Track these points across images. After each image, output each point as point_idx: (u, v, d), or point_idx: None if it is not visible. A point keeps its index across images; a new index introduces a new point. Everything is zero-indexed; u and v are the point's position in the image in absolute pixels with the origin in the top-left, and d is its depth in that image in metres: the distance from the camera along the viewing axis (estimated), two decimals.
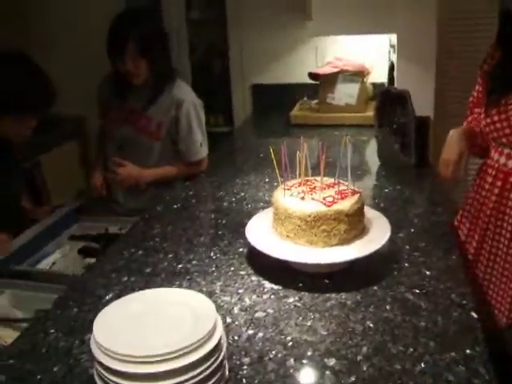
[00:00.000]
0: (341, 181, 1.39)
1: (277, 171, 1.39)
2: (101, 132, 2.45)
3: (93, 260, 1.88)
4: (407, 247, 1.45)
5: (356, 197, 1.32)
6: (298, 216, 1.26)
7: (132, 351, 0.84)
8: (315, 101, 3.02)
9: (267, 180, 2.05)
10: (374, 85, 2.97)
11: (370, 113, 2.80)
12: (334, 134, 2.73)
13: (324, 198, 1.29)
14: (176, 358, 0.83)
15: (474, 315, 1.14)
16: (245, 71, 3.17)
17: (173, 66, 2.30)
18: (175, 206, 1.82)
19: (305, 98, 3.12)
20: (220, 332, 0.90)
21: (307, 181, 1.39)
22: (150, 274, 1.37)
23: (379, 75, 2.94)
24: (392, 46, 2.57)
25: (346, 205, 1.28)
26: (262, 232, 1.37)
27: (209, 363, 0.86)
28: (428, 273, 1.31)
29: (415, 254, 1.41)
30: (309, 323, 1.13)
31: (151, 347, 0.84)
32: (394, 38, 2.53)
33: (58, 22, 3.38)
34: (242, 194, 1.90)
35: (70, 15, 3.34)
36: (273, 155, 1.39)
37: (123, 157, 2.20)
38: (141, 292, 1.03)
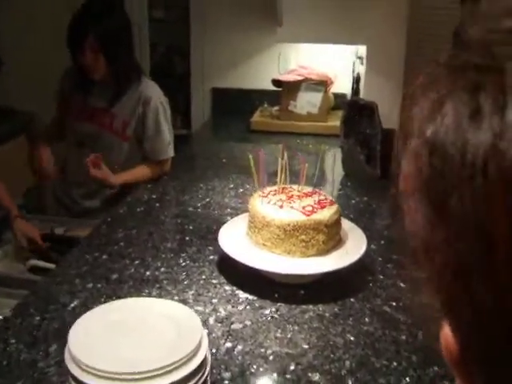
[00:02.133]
0: (318, 190, 1.37)
1: (254, 177, 1.35)
2: (54, 125, 2.33)
3: (39, 262, 1.81)
4: (380, 259, 1.44)
5: (335, 207, 1.30)
6: (276, 225, 1.23)
7: (111, 367, 0.78)
8: (276, 108, 3.00)
9: (232, 186, 2.00)
10: (335, 95, 2.98)
11: (332, 123, 2.81)
12: (295, 141, 2.72)
13: (303, 207, 1.26)
14: (159, 375, 0.78)
15: None
16: (205, 74, 3.12)
17: (137, 63, 2.23)
18: (138, 210, 1.75)
19: (265, 105, 3.09)
20: (205, 349, 0.85)
21: (284, 189, 1.36)
22: (117, 280, 1.30)
23: (341, 86, 2.95)
24: (359, 58, 2.58)
25: (325, 215, 1.25)
26: (236, 240, 1.33)
27: (194, 381, 0.81)
28: (403, 285, 1.30)
29: (388, 266, 1.40)
30: (289, 335, 1.09)
31: (132, 363, 0.79)
32: (361, 49, 2.55)
33: (11, 14, 3.23)
34: (208, 200, 1.85)
35: (25, 8, 3.20)
36: (252, 163, 1.35)
37: (83, 154, 2.09)
38: (122, 301, 0.97)
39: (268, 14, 2.86)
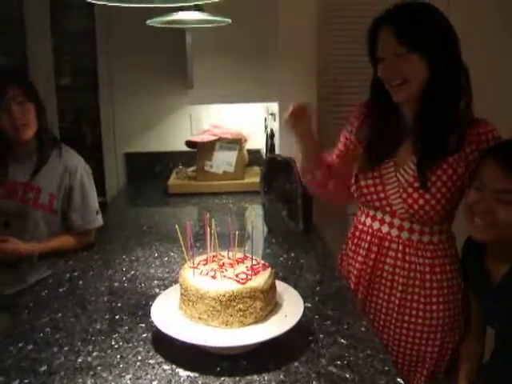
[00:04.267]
0: (248, 255, 1.35)
1: (183, 249, 1.32)
2: None
3: None
4: (317, 317, 1.43)
5: (268, 271, 1.29)
6: (211, 297, 1.19)
7: None
8: (191, 168, 3.00)
9: (156, 255, 1.95)
10: (249, 151, 3.02)
11: (249, 179, 2.85)
12: (214, 201, 2.71)
13: (236, 275, 1.24)
14: None
15: (401, 381, 1.14)
16: (117, 139, 3.08)
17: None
18: (61, 290, 1.65)
19: (180, 166, 3.09)
20: None
21: (214, 257, 1.34)
22: (46, 372, 1.20)
23: (254, 142, 3.00)
24: (271, 114, 2.64)
25: (259, 281, 1.23)
26: (169, 315, 1.28)
27: None
28: (344, 341, 1.30)
29: (327, 324, 1.39)
30: None
31: None
32: (273, 106, 2.61)
33: None
34: (133, 272, 1.79)
35: None
36: (179, 233, 1.32)
37: (10, 236, 1.95)
38: None
39: (178, 76, 2.89)
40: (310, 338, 1.31)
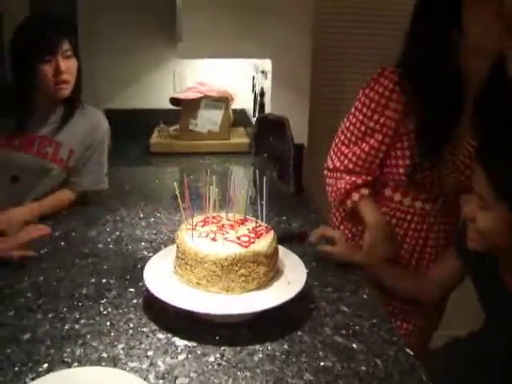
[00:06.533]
0: (248, 217, 1.27)
1: (181, 209, 1.23)
2: None
3: None
4: (316, 283, 1.36)
5: (271, 234, 1.20)
6: (212, 261, 1.11)
7: None
8: (173, 127, 2.88)
9: (142, 216, 1.85)
10: (234, 111, 2.91)
11: (235, 140, 2.75)
12: (198, 162, 2.61)
13: (238, 238, 1.16)
14: None
15: (410, 352, 1.08)
16: (97, 95, 2.92)
17: None
18: (42, 252, 1.55)
19: (161, 125, 2.96)
20: None
21: (213, 218, 1.25)
22: (30, 341, 1.11)
23: (240, 102, 2.89)
24: (262, 72, 2.52)
25: (263, 245, 1.15)
26: (164, 280, 1.19)
27: None
28: (347, 310, 1.24)
29: (327, 290, 1.33)
30: None
31: None
32: (263, 63, 2.49)
33: None
34: (118, 234, 1.69)
35: None
36: (177, 191, 1.22)
37: (16, 191, 1.81)
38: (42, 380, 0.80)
39: (162, 31, 2.74)
40: (312, 306, 1.25)
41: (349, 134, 1.59)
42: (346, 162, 1.61)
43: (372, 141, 1.54)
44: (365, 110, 1.53)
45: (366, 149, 1.56)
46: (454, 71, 1.40)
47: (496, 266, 1.36)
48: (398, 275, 1.59)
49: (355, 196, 1.60)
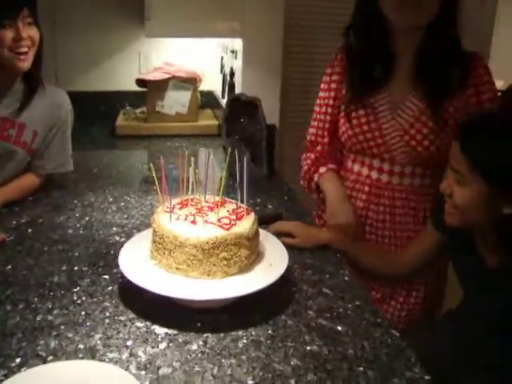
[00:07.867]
0: (227, 198, 1.23)
1: (158, 191, 1.18)
2: None
3: None
4: (296, 266, 1.33)
5: (252, 216, 1.17)
6: (192, 244, 1.07)
7: None
8: (139, 109, 2.80)
9: (111, 200, 1.79)
10: (201, 93, 2.84)
11: (203, 122, 2.69)
12: (166, 144, 2.54)
13: (219, 220, 1.11)
14: None
15: (396, 333, 1.07)
16: (59, 76, 2.81)
17: None
18: (8, 239, 1.48)
19: (127, 107, 2.88)
20: None
21: (190, 200, 1.20)
22: (0, 334, 1.05)
23: (206, 83, 2.82)
24: (232, 52, 2.46)
25: (245, 226, 1.12)
26: (141, 267, 1.14)
27: None
28: (329, 292, 1.21)
29: (308, 273, 1.30)
30: (228, 372, 0.94)
31: None
32: (233, 43, 2.43)
33: None
34: (87, 219, 1.63)
35: None
36: (154, 173, 1.17)
37: None
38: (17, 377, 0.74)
39: (127, 10, 2.65)
40: (294, 289, 1.22)
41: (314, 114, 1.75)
42: (308, 136, 1.77)
43: (324, 108, 1.70)
44: (321, 85, 1.72)
45: (321, 117, 1.72)
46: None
47: (473, 241, 1.36)
48: (361, 248, 1.57)
49: (315, 177, 1.70)
